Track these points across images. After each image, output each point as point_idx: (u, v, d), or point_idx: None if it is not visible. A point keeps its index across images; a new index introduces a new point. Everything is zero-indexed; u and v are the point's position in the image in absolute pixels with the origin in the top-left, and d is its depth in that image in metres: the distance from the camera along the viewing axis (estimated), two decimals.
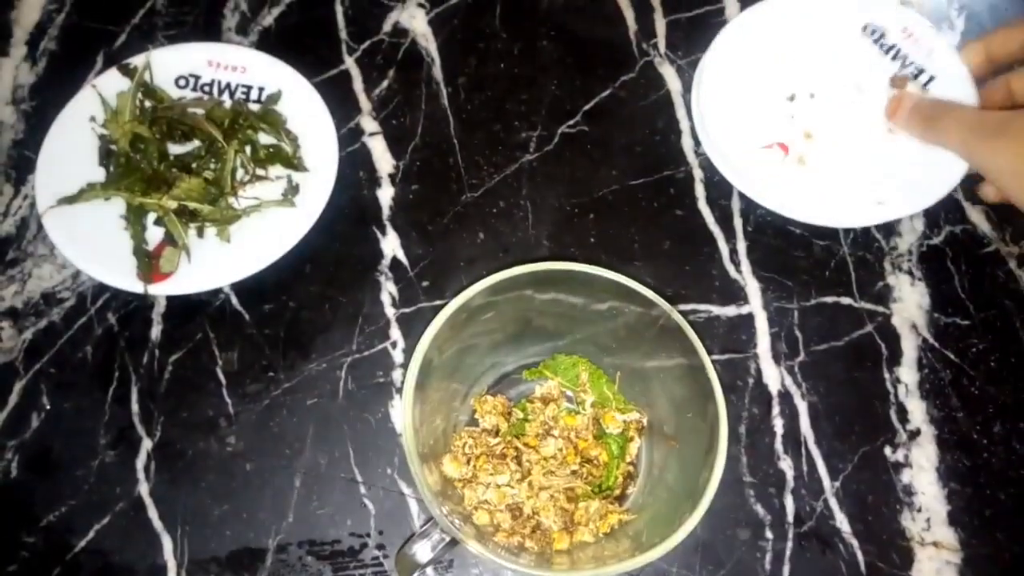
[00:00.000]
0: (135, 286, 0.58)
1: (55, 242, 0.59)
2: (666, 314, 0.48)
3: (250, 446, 0.58)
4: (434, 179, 0.67)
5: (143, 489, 0.56)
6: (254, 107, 0.66)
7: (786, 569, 0.56)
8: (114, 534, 0.55)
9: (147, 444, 0.58)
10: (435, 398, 0.52)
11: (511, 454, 0.51)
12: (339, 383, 0.60)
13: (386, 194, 0.66)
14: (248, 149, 0.63)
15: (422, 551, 0.46)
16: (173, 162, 0.62)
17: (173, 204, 0.59)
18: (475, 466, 0.50)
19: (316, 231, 0.61)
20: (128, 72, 0.65)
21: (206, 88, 0.67)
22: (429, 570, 0.55)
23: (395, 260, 0.64)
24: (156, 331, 0.61)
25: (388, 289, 0.63)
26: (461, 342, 0.53)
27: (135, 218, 0.60)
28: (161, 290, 0.59)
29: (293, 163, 0.63)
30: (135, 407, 0.59)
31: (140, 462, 0.57)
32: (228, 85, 0.67)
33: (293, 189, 0.62)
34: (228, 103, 0.66)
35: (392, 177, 0.67)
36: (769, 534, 0.57)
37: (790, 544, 0.57)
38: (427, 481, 0.45)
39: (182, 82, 0.67)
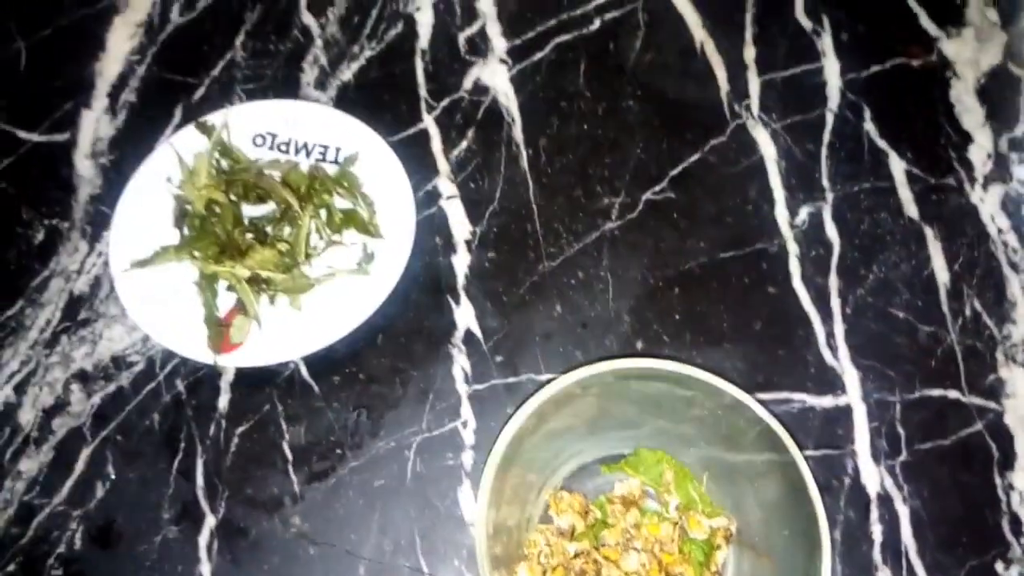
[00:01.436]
0: (205, 356, 0.57)
1: (126, 306, 0.59)
2: (751, 410, 0.45)
3: (315, 527, 0.56)
4: (511, 246, 0.64)
5: (205, 570, 0.55)
6: (330, 168, 0.64)
7: None
8: None
9: (211, 521, 0.56)
10: (510, 491, 0.49)
11: (591, 569, 0.47)
12: (407, 464, 0.57)
13: (462, 261, 0.64)
14: (323, 214, 0.62)
15: None
16: (248, 227, 0.60)
17: (246, 273, 0.58)
18: None
19: (389, 300, 0.59)
20: (206, 130, 0.64)
21: (283, 147, 0.65)
22: None
23: (469, 332, 0.61)
24: (224, 400, 0.59)
25: (460, 363, 0.60)
26: (539, 433, 0.50)
27: (207, 285, 0.59)
28: (232, 361, 0.57)
29: (369, 229, 0.61)
30: (200, 480, 0.57)
31: (203, 540, 0.56)
32: (305, 144, 0.65)
33: (368, 257, 0.60)
34: (305, 164, 0.64)
35: (468, 244, 0.64)
36: None
37: None
38: None
39: (259, 140, 0.66)
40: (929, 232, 0.64)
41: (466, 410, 0.59)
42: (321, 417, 0.59)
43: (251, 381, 0.60)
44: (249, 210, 0.63)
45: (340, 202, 0.63)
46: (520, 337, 0.61)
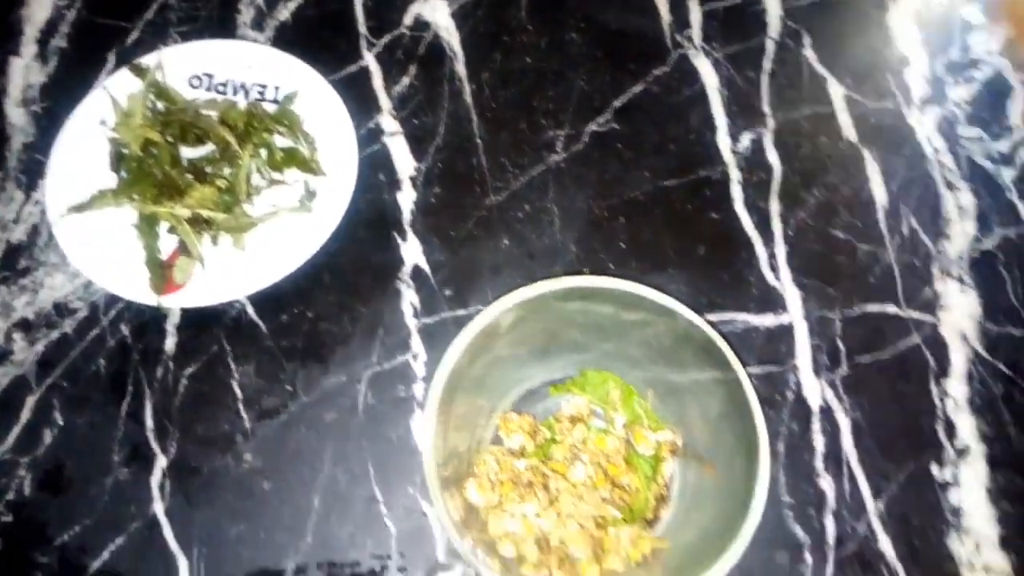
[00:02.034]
0: (148, 298, 0.56)
1: (66, 252, 0.58)
2: (700, 329, 0.45)
3: (268, 463, 0.56)
4: (457, 182, 0.64)
5: (158, 508, 0.55)
6: (270, 107, 0.63)
7: None
8: (129, 554, 0.54)
9: (162, 461, 0.56)
10: (458, 416, 0.50)
11: (539, 481, 0.48)
12: (359, 398, 0.58)
13: (407, 198, 0.63)
14: (264, 153, 0.61)
15: None
16: (186, 168, 0.59)
17: (186, 213, 0.57)
18: (501, 493, 0.48)
19: (334, 237, 0.59)
20: (140, 72, 0.63)
21: (220, 87, 0.64)
22: None
23: (416, 268, 0.61)
24: (170, 343, 0.59)
25: (409, 299, 0.61)
26: (485, 359, 0.51)
27: (147, 227, 0.58)
28: (175, 302, 0.57)
29: (311, 167, 0.61)
30: (149, 422, 0.57)
31: (155, 480, 0.56)
32: (243, 84, 0.64)
33: (310, 195, 0.60)
34: (243, 104, 0.63)
35: (413, 180, 0.64)
36: (808, 557, 0.54)
37: (831, 568, 0.54)
38: (450, 511, 0.43)
39: (195, 81, 0.64)
40: (867, 154, 0.65)
41: (416, 343, 0.59)
42: (270, 356, 0.59)
43: (197, 323, 0.59)
44: (188, 152, 0.62)
45: (281, 141, 0.62)
46: (468, 271, 0.61)
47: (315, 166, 0.61)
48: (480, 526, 0.48)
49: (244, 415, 0.57)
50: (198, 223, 0.58)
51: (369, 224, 0.62)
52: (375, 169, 0.64)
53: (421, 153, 0.65)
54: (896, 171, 0.65)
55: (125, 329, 0.59)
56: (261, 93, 0.64)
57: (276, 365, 0.58)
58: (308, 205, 0.60)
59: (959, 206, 0.63)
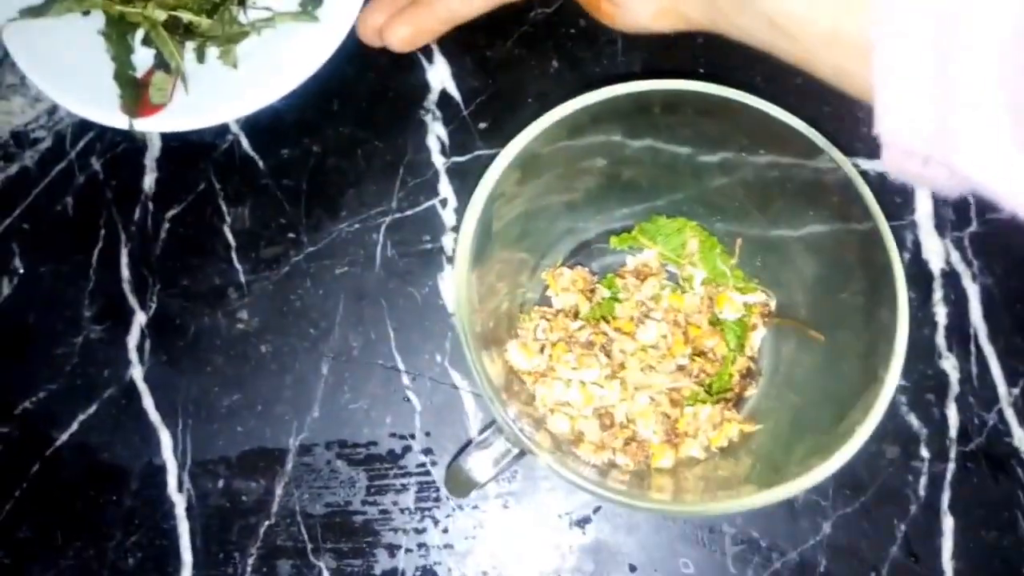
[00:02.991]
0: (119, 121, 0.46)
1: (20, 66, 0.47)
2: (832, 164, 0.34)
3: (266, 323, 0.46)
4: None
5: (136, 373, 0.46)
6: None
7: (945, 497, 0.44)
8: (102, 427, 0.45)
9: (140, 318, 0.47)
10: (496, 270, 0.40)
11: (599, 341, 0.38)
12: (376, 248, 0.47)
13: None
14: None
15: (480, 466, 0.34)
16: None
17: (161, 15, 0.46)
18: (551, 356, 0.38)
19: (344, 55, 0.47)
20: None
21: None
22: None
23: (444, 95, 0.50)
24: (149, 180, 0.49)
25: (436, 132, 0.49)
26: (529, 200, 0.40)
27: (117, 35, 0.47)
28: (152, 126, 0.46)
29: None
30: (125, 272, 0.47)
31: (132, 340, 0.46)
32: None
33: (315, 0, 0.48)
34: None
35: None
36: (925, 452, 0.44)
37: (952, 465, 0.44)
38: (487, 372, 0.33)
39: None
40: None
41: (444, 186, 0.49)
42: (269, 197, 0.48)
43: (182, 157, 0.49)
44: None
45: None
46: (508, 99, 0.50)
47: None
48: (526, 399, 0.38)
49: (238, 266, 0.47)
50: (177, 29, 0.47)
51: None
52: None
53: None
54: None
55: (96, 163, 0.49)
56: None
57: (276, 208, 0.48)
58: (311, 13, 0.48)
59: None
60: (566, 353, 0.37)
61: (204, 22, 0.46)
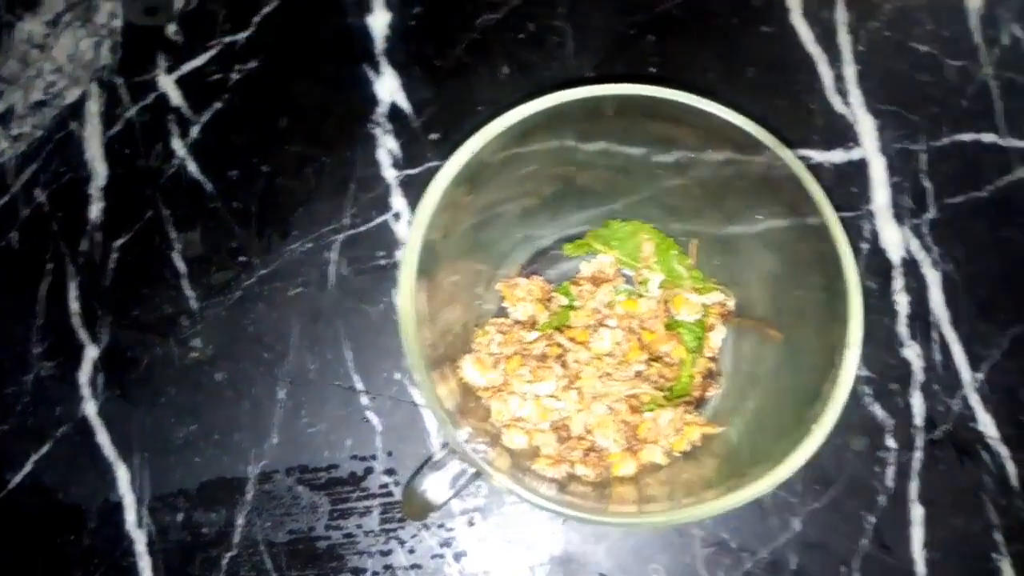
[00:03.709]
0: None
1: None
2: (779, 161, 0.34)
3: (220, 350, 0.46)
4: None
5: (89, 409, 0.45)
6: None
7: (913, 485, 0.44)
8: (57, 465, 0.44)
9: (92, 352, 0.46)
10: (449, 283, 0.39)
11: (554, 353, 0.37)
12: (329, 267, 0.47)
13: (380, 21, 0.51)
14: None
15: (436, 488, 0.34)
16: None
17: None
18: (506, 370, 0.37)
19: (292, 73, 0.47)
20: None
21: None
22: None
23: (394, 108, 0.49)
24: (96, 210, 0.48)
25: (387, 145, 0.49)
26: (481, 209, 0.39)
27: None
28: None
29: None
30: (75, 306, 0.46)
31: (84, 375, 0.45)
32: None
33: None
34: None
35: None
36: (891, 442, 0.44)
37: (918, 454, 0.44)
38: (437, 393, 0.32)
39: None
40: None
41: (397, 200, 0.48)
42: (218, 221, 0.47)
43: (127, 184, 0.48)
44: None
45: None
46: (459, 108, 0.49)
47: None
48: (482, 415, 0.38)
49: (189, 293, 0.46)
50: None
51: (334, 56, 0.50)
52: None
53: None
54: None
55: (41, 195, 0.48)
56: None
57: (226, 231, 0.47)
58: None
59: None
60: (520, 367, 0.37)
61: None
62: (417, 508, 0.34)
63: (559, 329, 0.39)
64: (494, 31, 0.50)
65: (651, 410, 0.38)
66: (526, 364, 0.37)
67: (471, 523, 0.43)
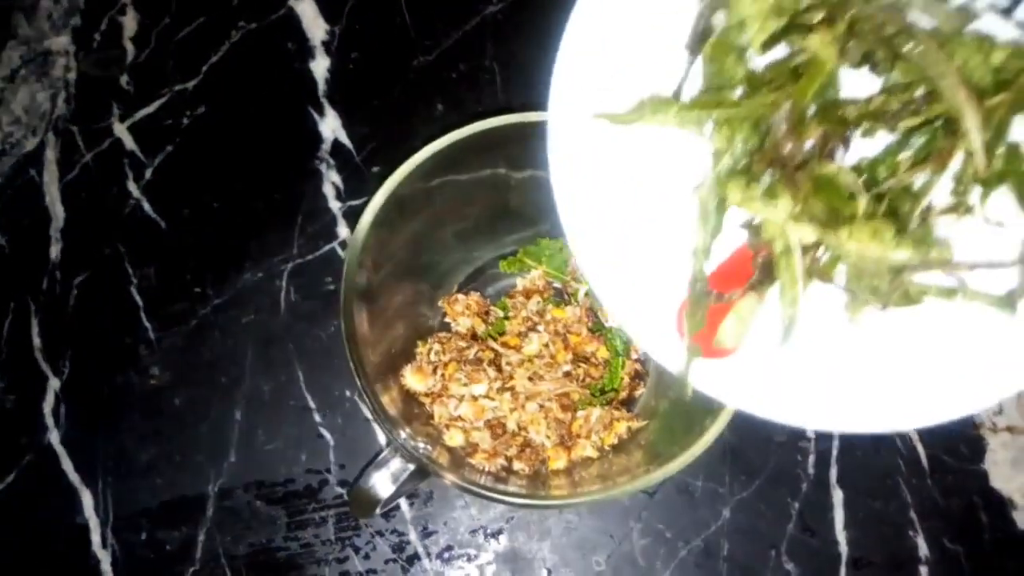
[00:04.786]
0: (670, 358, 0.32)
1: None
2: None
3: (178, 377, 0.48)
4: (378, 43, 0.55)
5: (53, 437, 0.47)
6: None
7: (833, 472, 0.47)
8: (23, 493, 0.46)
9: (54, 383, 0.48)
10: (394, 303, 0.42)
11: (488, 357, 0.41)
12: (280, 294, 0.50)
13: (321, 66, 0.54)
14: None
15: (381, 483, 0.36)
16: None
17: (809, 235, 0.26)
18: (444, 376, 0.40)
19: (239, 115, 0.50)
20: None
21: None
22: (403, 505, 0.46)
23: (337, 144, 0.53)
24: (56, 250, 0.50)
25: (331, 179, 0.52)
26: (417, 234, 0.43)
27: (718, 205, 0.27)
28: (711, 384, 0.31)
29: None
30: (37, 341, 0.49)
31: (48, 406, 0.48)
32: None
33: None
34: None
35: (327, 45, 0.55)
36: (810, 433, 0.47)
37: (836, 443, 0.47)
38: (382, 401, 0.35)
39: None
40: None
41: (342, 229, 0.51)
42: (173, 255, 0.50)
43: (85, 225, 0.51)
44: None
45: None
46: (398, 143, 0.53)
47: None
48: (424, 419, 0.41)
49: (147, 324, 0.49)
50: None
51: (280, 99, 0.54)
52: (283, 37, 0.55)
53: (334, 14, 0.55)
54: None
55: (1, 238, 0.51)
56: None
57: (181, 265, 0.50)
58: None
59: None
60: (457, 371, 0.40)
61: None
62: (364, 504, 0.36)
63: (494, 337, 0.42)
64: (428, 71, 0.54)
65: (583, 408, 0.41)
66: (462, 369, 0.40)
67: (423, 527, 0.45)
